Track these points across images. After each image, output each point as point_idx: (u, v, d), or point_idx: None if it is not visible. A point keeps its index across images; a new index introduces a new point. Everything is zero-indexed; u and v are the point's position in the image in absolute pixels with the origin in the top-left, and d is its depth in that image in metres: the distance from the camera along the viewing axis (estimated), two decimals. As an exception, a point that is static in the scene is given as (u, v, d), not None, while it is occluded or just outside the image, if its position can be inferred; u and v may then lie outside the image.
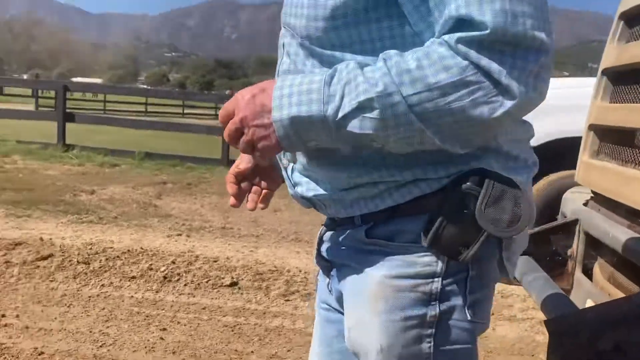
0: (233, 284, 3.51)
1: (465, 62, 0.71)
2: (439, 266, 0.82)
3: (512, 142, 0.85)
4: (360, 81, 0.74)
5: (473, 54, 0.71)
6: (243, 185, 1.04)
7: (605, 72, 1.99)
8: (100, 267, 3.60)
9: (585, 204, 2.03)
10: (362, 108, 0.74)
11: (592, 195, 2.05)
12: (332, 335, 1.06)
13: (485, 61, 0.71)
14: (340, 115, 0.75)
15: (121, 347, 2.64)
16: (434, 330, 0.83)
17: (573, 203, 2.08)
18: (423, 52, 0.73)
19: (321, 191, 0.90)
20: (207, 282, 3.51)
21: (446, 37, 0.73)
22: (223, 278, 3.56)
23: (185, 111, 30.07)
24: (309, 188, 0.92)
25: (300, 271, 3.85)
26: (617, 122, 1.81)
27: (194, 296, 3.33)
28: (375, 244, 0.86)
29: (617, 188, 1.69)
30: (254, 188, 1.05)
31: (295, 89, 0.78)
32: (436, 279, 0.83)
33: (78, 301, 3.14)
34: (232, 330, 2.91)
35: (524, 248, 0.93)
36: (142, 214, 5.43)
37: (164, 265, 3.67)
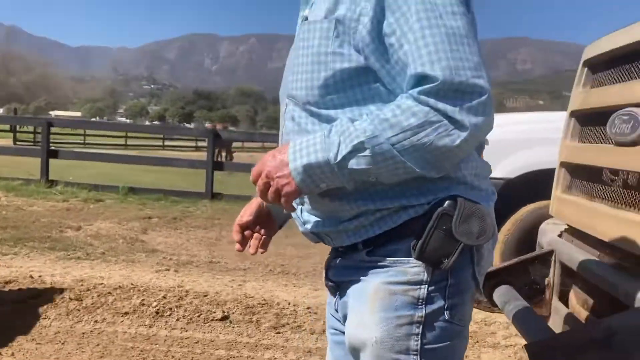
0: (224, 318, 3.58)
1: (427, 108, 0.94)
2: (425, 275, 1.03)
3: (475, 176, 1.07)
4: (352, 130, 0.98)
5: (432, 100, 0.94)
6: (246, 233, 1.26)
7: (573, 114, 2.17)
8: (92, 304, 3.64)
9: (560, 236, 2.18)
10: (356, 150, 0.97)
11: (566, 227, 2.20)
12: (341, 355, 1.24)
13: (441, 105, 0.94)
14: (339, 157, 0.98)
15: (117, 382, 2.70)
16: (421, 329, 1.02)
17: (548, 234, 2.23)
18: (396, 104, 0.97)
19: (327, 225, 1.11)
20: (198, 316, 3.57)
21: (410, 91, 0.96)
22: (214, 312, 3.63)
23: (166, 143, 30.06)
24: (317, 224, 1.13)
25: (289, 304, 3.93)
26: (585, 160, 1.97)
27: (186, 330, 3.39)
28: (375, 261, 1.06)
29: (588, 221, 1.84)
30: (255, 235, 1.27)
31: (304, 144, 1.01)
32: (423, 286, 1.03)
33: (72, 338, 3.18)
34: (226, 363, 2.98)
35: (490, 265, 1.15)
36: (129, 249, 5.48)
37: (155, 301, 3.73)
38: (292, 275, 4.88)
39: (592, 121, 2.03)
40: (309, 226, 1.15)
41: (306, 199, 1.13)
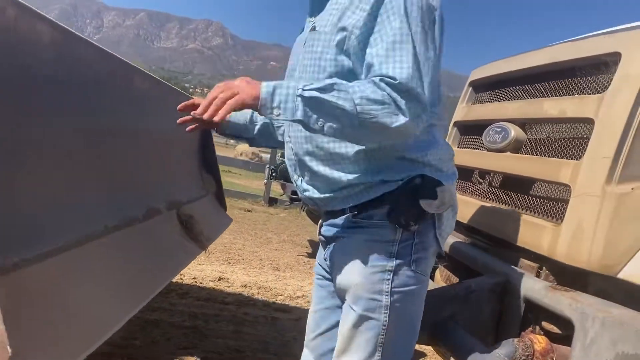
0: (111, 280, 3.64)
1: (384, 92, 1.21)
2: (397, 235, 1.32)
3: (439, 160, 1.37)
4: (326, 80, 1.25)
5: (388, 89, 1.21)
6: (192, 112, 1.38)
7: (455, 124, 2.59)
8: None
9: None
10: (326, 87, 1.21)
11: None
12: (322, 296, 1.57)
13: (394, 95, 1.21)
14: (308, 87, 1.20)
15: None
16: (391, 276, 1.32)
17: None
18: (361, 82, 1.24)
19: (322, 193, 1.41)
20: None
21: (373, 78, 1.23)
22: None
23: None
24: (314, 192, 1.43)
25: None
26: (462, 162, 2.38)
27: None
28: (358, 222, 1.36)
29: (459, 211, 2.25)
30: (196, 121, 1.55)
31: (276, 82, 1.24)
32: (395, 243, 1.32)
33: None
34: (113, 320, 3.07)
35: (451, 231, 1.47)
36: None
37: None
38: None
39: (470, 131, 2.46)
40: (307, 193, 1.43)
41: (306, 172, 1.41)
